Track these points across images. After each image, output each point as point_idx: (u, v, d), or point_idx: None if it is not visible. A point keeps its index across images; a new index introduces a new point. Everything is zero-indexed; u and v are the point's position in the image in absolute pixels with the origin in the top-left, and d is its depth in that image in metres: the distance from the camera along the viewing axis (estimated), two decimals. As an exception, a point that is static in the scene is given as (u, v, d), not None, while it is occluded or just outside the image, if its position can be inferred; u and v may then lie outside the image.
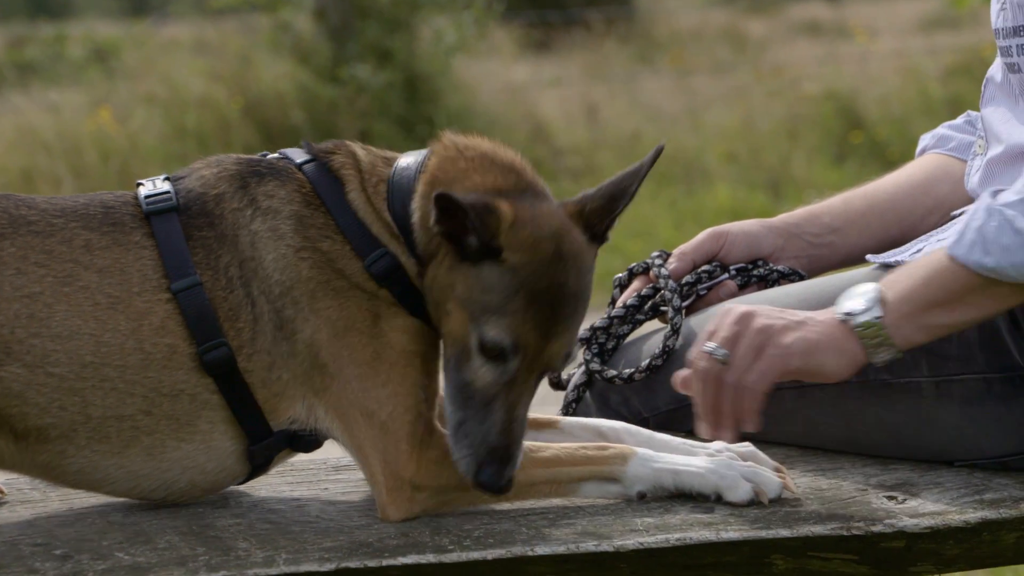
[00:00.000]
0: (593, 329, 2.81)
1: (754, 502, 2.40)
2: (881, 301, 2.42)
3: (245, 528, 2.34)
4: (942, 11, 17.69)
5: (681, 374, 2.50)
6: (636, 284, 2.87)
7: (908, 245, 2.72)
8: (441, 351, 2.39)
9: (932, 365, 2.58)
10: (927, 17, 18.84)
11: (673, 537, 2.31)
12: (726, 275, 2.86)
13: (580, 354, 2.81)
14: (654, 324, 2.87)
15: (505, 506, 2.40)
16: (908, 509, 2.41)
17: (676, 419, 2.70)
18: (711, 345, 2.45)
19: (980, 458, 2.58)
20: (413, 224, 2.39)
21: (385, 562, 2.24)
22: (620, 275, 2.92)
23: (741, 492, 2.40)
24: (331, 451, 2.49)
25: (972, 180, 2.71)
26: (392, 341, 2.38)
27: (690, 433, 2.56)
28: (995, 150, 2.64)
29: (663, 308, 2.80)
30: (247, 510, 2.42)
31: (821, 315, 2.47)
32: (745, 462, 2.44)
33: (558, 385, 2.85)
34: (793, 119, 12.28)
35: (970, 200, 2.77)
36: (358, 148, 2.47)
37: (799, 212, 2.93)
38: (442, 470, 2.36)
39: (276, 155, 2.50)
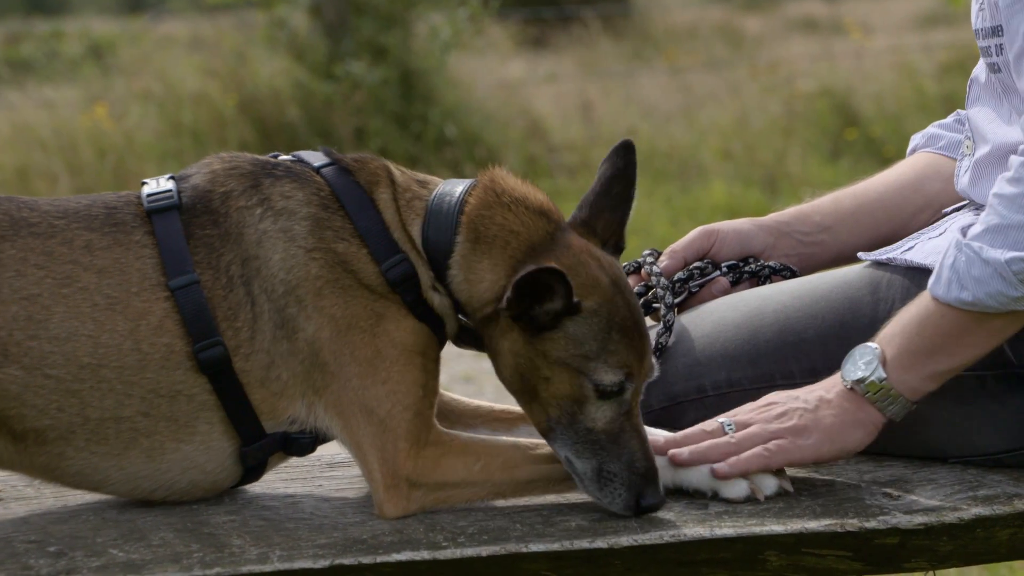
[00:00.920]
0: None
1: (750, 499, 2.41)
2: (881, 360, 2.43)
3: (239, 525, 2.34)
4: (937, 8, 17.71)
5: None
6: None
7: (899, 243, 2.72)
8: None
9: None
10: (922, 14, 18.85)
11: (667, 533, 2.31)
12: (718, 272, 2.86)
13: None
14: (647, 322, 2.87)
15: (500, 503, 2.41)
16: (902, 505, 2.41)
17: (669, 416, 2.70)
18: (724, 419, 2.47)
19: (974, 455, 2.58)
20: (452, 264, 2.40)
21: (379, 559, 2.24)
22: (613, 273, 2.91)
23: (737, 489, 2.41)
24: (325, 448, 2.49)
25: (962, 181, 2.72)
26: (394, 340, 2.38)
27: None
28: (982, 150, 2.65)
29: (655, 305, 2.80)
30: (241, 507, 2.42)
31: (828, 391, 2.46)
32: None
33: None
34: (788, 116, 12.27)
35: (960, 199, 2.78)
36: (391, 164, 2.50)
37: (789, 211, 2.94)
38: (439, 468, 2.37)
39: (289, 157, 2.50)
